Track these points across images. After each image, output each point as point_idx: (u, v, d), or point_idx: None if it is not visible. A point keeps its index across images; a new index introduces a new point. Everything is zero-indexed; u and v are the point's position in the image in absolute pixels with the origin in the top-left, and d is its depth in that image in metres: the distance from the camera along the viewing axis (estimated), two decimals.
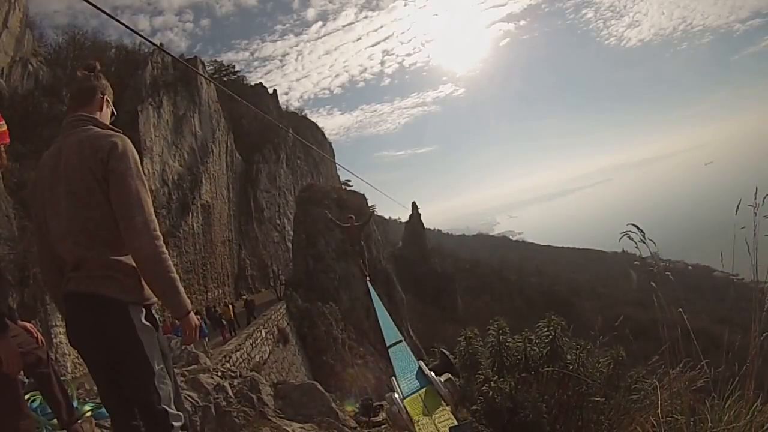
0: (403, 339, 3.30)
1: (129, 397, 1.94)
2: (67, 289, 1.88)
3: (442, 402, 2.06)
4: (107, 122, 2.11)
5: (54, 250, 1.94)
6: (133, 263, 1.87)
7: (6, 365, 2.07)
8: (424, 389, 2.30)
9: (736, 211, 2.40)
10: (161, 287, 1.86)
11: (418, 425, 1.96)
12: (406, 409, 2.06)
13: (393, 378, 2.59)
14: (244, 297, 23.09)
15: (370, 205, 45.10)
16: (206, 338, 16.92)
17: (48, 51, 33.40)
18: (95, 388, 2.13)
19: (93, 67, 2.15)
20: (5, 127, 2.43)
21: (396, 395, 2.16)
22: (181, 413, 1.95)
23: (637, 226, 2.61)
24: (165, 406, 1.88)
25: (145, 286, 1.91)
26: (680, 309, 2.56)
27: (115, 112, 2.21)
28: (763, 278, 2.40)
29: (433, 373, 2.27)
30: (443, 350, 2.78)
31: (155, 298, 1.95)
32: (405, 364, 2.74)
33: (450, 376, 2.19)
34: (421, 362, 2.58)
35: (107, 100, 2.14)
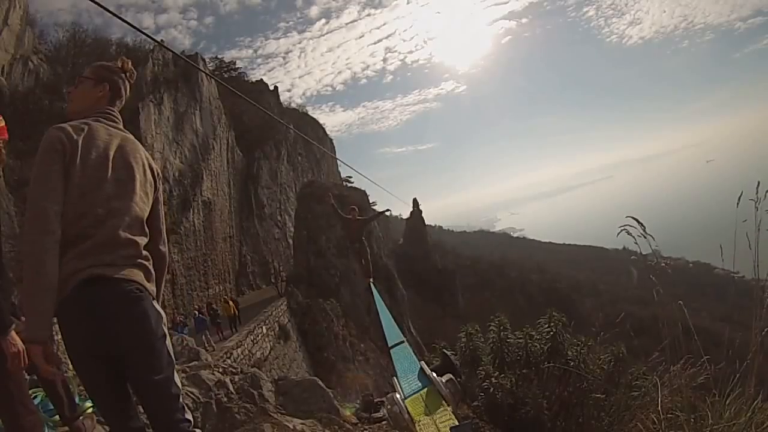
0: (405, 340, 3.30)
1: (148, 391, 1.82)
2: (95, 272, 1.75)
3: (443, 402, 2.07)
4: None
5: (72, 226, 1.76)
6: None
7: (11, 362, 2.08)
8: (425, 389, 2.30)
9: (738, 203, 2.40)
10: (160, 290, 2.03)
11: (420, 425, 1.96)
12: (407, 409, 2.06)
13: (394, 378, 2.59)
14: (232, 299, 23.03)
15: (371, 201, 44.99)
16: (207, 333, 16.95)
17: (48, 48, 33.39)
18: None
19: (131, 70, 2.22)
20: (3, 123, 2.43)
21: (397, 395, 2.16)
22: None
23: (637, 220, 2.60)
24: (183, 402, 1.88)
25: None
26: (680, 301, 2.56)
27: None
28: (763, 276, 2.39)
29: (434, 374, 2.27)
30: (445, 351, 2.78)
31: None
32: (407, 364, 2.74)
33: (451, 376, 2.19)
34: (422, 363, 2.59)
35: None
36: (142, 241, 1.91)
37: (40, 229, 1.71)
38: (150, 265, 1.93)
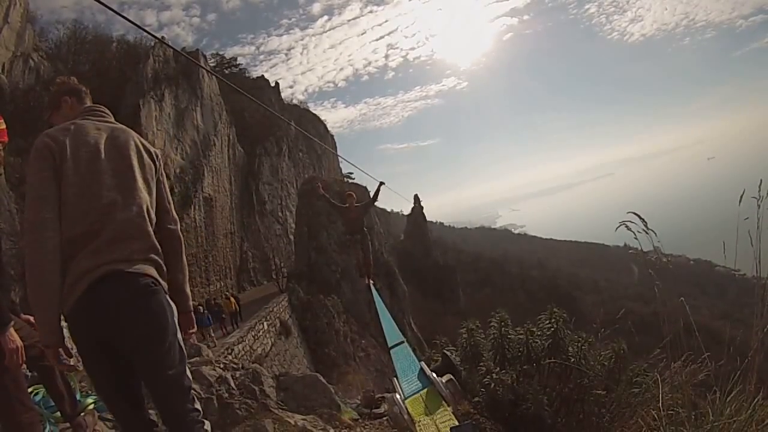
0: (405, 340, 3.30)
1: (160, 385, 1.81)
2: (110, 268, 1.73)
3: (444, 402, 2.06)
4: None
5: (77, 225, 1.75)
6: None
7: (9, 359, 2.08)
8: (425, 390, 2.29)
9: (740, 201, 2.39)
10: (183, 274, 2.06)
11: (420, 425, 1.96)
12: (407, 409, 2.06)
13: (395, 378, 2.59)
14: (233, 295, 23.38)
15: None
16: (211, 329, 17.04)
17: (49, 46, 33.34)
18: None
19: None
20: (4, 125, 2.43)
21: (397, 396, 2.16)
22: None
23: (638, 215, 2.59)
24: (193, 393, 1.88)
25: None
26: (682, 298, 2.55)
27: None
28: (764, 274, 2.39)
29: (434, 374, 2.26)
30: (445, 351, 2.78)
31: None
32: (407, 365, 2.74)
33: (451, 377, 2.18)
34: (422, 363, 2.58)
35: None
36: (152, 229, 1.92)
37: (37, 240, 1.71)
38: (161, 258, 1.91)
